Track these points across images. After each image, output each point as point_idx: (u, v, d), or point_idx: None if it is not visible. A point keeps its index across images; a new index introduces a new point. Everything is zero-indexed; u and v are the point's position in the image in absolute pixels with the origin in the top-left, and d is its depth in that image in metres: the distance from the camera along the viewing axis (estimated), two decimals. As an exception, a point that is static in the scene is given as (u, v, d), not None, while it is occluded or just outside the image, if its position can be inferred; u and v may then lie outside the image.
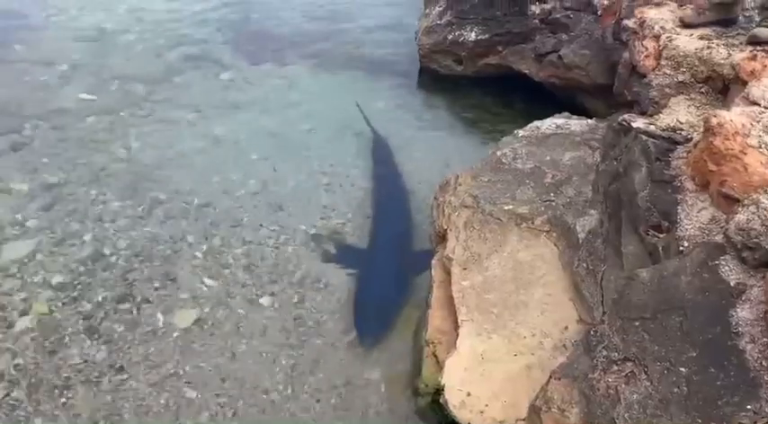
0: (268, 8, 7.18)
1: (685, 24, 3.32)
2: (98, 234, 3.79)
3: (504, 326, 2.65)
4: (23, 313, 3.25)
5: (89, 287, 3.40)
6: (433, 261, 3.14)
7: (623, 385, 2.00)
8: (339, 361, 2.93)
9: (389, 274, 3.33)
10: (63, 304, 3.30)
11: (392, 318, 3.09)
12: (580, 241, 2.86)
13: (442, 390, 2.45)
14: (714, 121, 2.44)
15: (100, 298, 3.33)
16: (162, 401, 2.77)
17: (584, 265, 2.73)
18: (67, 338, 3.10)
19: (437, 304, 2.91)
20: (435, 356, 2.70)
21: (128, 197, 4.11)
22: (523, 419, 2.28)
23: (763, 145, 2.36)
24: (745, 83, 2.90)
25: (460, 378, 2.47)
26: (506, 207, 3.14)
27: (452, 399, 2.41)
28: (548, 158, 3.41)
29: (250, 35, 6.48)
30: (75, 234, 3.79)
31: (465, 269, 2.91)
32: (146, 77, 5.64)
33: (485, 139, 4.30)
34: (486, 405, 2.38)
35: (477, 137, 4.46)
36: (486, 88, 5.03)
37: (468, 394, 2.41)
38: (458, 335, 2.64)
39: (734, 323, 2.02)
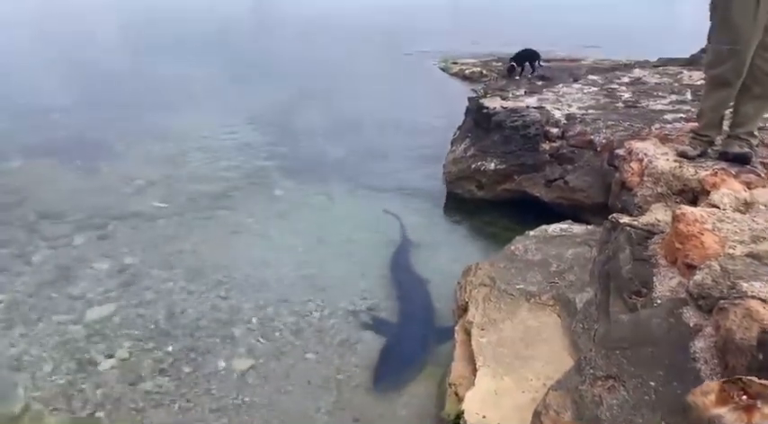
0: (314, 141, 8.35)
1: (688, 158, 4.12)
2: (168, 303, 4.45)
3: (515, 371, 3.20)
4: (107, 357, 3.85)
5: (161, 341, 4.01)
6: (456, 327, 3.73)
7: (606, 394, 2.54)
8: (374, 402, 3.43)
9: (410, 340, 3.97)
10: (140, 351, 3.91)
11: (406, 373, 3.64)
12: (578, 309, 3.47)
13: (462, 414, 2.97)
14: (679, 212, 3.16)
15: (170, 349, 3.93)
16: (223, 422, 3.28)
17: (581, 326, 3.33)
18: (143, 375, 3.68)
19: (459, 357, 3.47)
20: (457, 394, 3.22)
21: (193, 278, 4.81)
22: (528, 434, 2.77)
23: (715, 229, 3.06)
24: (708, 194, 3.66)
25: (477, 405, 2.99)
26: (518, 286, 3.79)
27: (470, 419, 2.92)
28: (553, 253, 4.10)
29: (299, 162, 7.51)
30: (149, 302, 4.46)
31: (483, 329, 3.51)
32: (209, 192, 6.56)
33: (499, 247, 5.00)
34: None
35: (493, 246, 5.15)
36: (503, 209, 5.82)
37: (484, 417, 2.93)
38: (476, 377, 3.19)
39: (692, 351, 2.58)
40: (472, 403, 3.01)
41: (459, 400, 3.15)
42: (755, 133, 4.14)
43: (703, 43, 4.38)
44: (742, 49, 3.74)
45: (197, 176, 7.00)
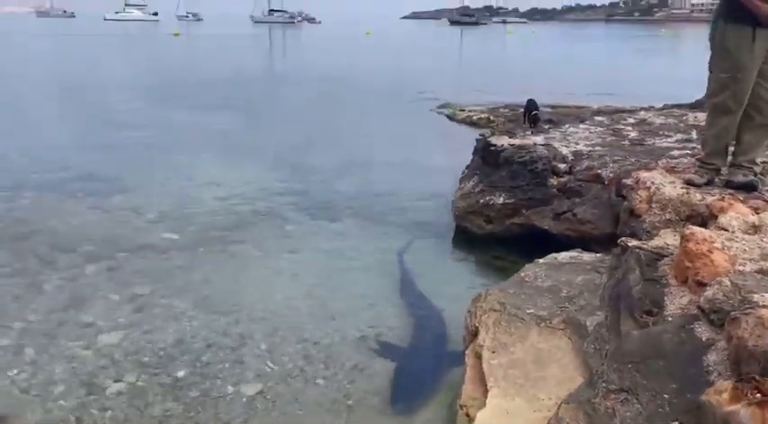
0: (324, 180, 8.49)
1: (695, 185, 4.18)
2: (178, 330, 4.45)
3: (526, 392, 3.18)
4: (116, 381, 3.84)
5: (170, 366, 4.00)
6: (467, 351, 3.72)
7: (619, 406, 2.52)
8: (384, 425, 3.41)
9: (423, 362, 4.01)
10: (148, 376, 3.90)
11: (421, 393, 3.63)
12: (589, 332, 3.46)
13: (473, 433, 2.94)
14: (688, 232, 3.19)
15: (179, 374, 3.92)
16: (232, 445, 3.25)
17: (592, 347, 3.31)
18: (152, 399, 3.65)
19: (470, 380, 3.45)
20: (468, 415, 3.19)
21: (203, 306, 4.82)
22: (541, 452, 2.73)
23: (725, 248, 3.09)
24: (716, 218, 3.69)
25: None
26: (528, 311, 3.79)
27: (482, 438, 2.89)
28: (563, 279, 4.11)
29: (310, 199, 7.62)
30: (159, 329, 4.47)
31: (493, 352, 3.49)
32: (220, 226, 6.64)
33: (508, 278, 5.01)
34: (511, 443, 2.85)
35: (501, 277, 5.13)
36: (511, 243, 5.83)
37: (496, 435, 2.89)
38: (487, 398, 3.16)
39: (705, 364, 2.56)
40: (484, 423, 2.98)
41: (470, 420, 3.12)
42: (758, 161, 4.20)
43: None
44: (742, 77, 3.84)
45: (208, 211, 7.08)
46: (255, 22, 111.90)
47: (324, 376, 3.87)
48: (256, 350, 4.18)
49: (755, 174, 4.13)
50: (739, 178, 4.14)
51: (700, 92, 9.63)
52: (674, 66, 27.40)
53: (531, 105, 9.06)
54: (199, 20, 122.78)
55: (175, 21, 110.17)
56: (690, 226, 3.27)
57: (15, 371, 3.93)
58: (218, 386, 3.78)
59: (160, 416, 3.50)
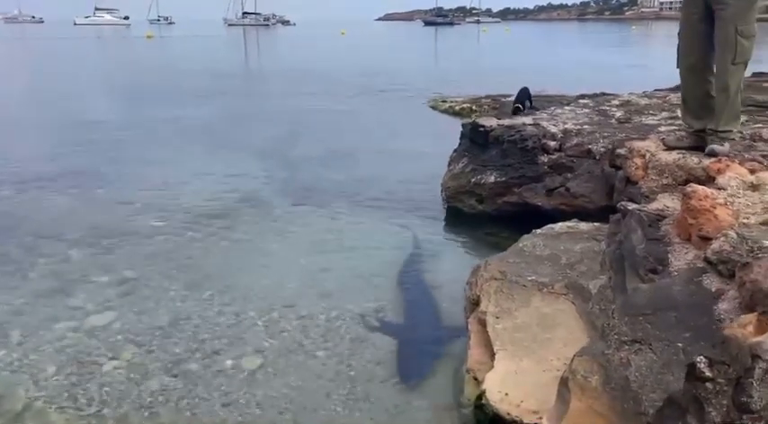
0: (312, 168, 8.44)
1: (667, 146, 4.22)
2: (171, 310, 4.36)
3: (534, 353, 3.15)
4: (111, 359, 3.74)
5: (166, 343, 3.91)
6: (469, 320, 3.68)
7: (633, 356, 2.50)
8: (389, 394, 3.34)
9: (425, 334, 4.00)
10: (144, 353, 3.81)
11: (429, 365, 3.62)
12: (593, 294, 3.45)
13: (483, 394, 2.90)
14: (689, 189, 3.18)
15: (177, 350, 3.83)
16: (235, 416, 3.17)
17: (597, 307, 3.30)
18: (149, 374, 3.56)
19: (475, 345, 3.41)
20: (475, 378, 3.15)
21: (195, 288, 4.72)
22: (554, 408, 2.70)
23: (727, 203, 3.09)
24: (714, 180, 3.70)
25: (499, 384, 2.93)
26: (529, 278, 3.77)
27: (493, 397, 2.85)
28: (562, 247, 4.10)
29: (297, 186, 7.56)
30: (151, 309, 4.37)
31: (497, 317, 3.46)
32: (207, 213, 6.50)
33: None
34: (522, 401, 2.82)
35: (495, 252, 5.12)
36: (504, 221, 5.79)
37: (506, 394, 2.86)
38: (494, 360, 3.13)
39: (717, 313, 2.56)
40: (493, 383, 2.94)
41: (479, 383, 3.08)
42: (722, 128, 4.06)
43: None
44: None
45: (195, 199, 6.96)
46: (229, 25, 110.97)
47: (324, 349, 3.81)
48: (253, 327, 4.10)
49: (721, 140, 4.02)
50: (715, 146, 4.04)
51: (675, 81, 9.76)
52: (648, 58, 27.77)
53: (522, 95, 9.10)
54: (171, 23, 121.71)
55: (147, 25, 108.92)
56: (692, 185, 3.27)
57: (3, 352, 3.81)
58: (217, 361, 3.70)
59: (159, 390, 3.41)
